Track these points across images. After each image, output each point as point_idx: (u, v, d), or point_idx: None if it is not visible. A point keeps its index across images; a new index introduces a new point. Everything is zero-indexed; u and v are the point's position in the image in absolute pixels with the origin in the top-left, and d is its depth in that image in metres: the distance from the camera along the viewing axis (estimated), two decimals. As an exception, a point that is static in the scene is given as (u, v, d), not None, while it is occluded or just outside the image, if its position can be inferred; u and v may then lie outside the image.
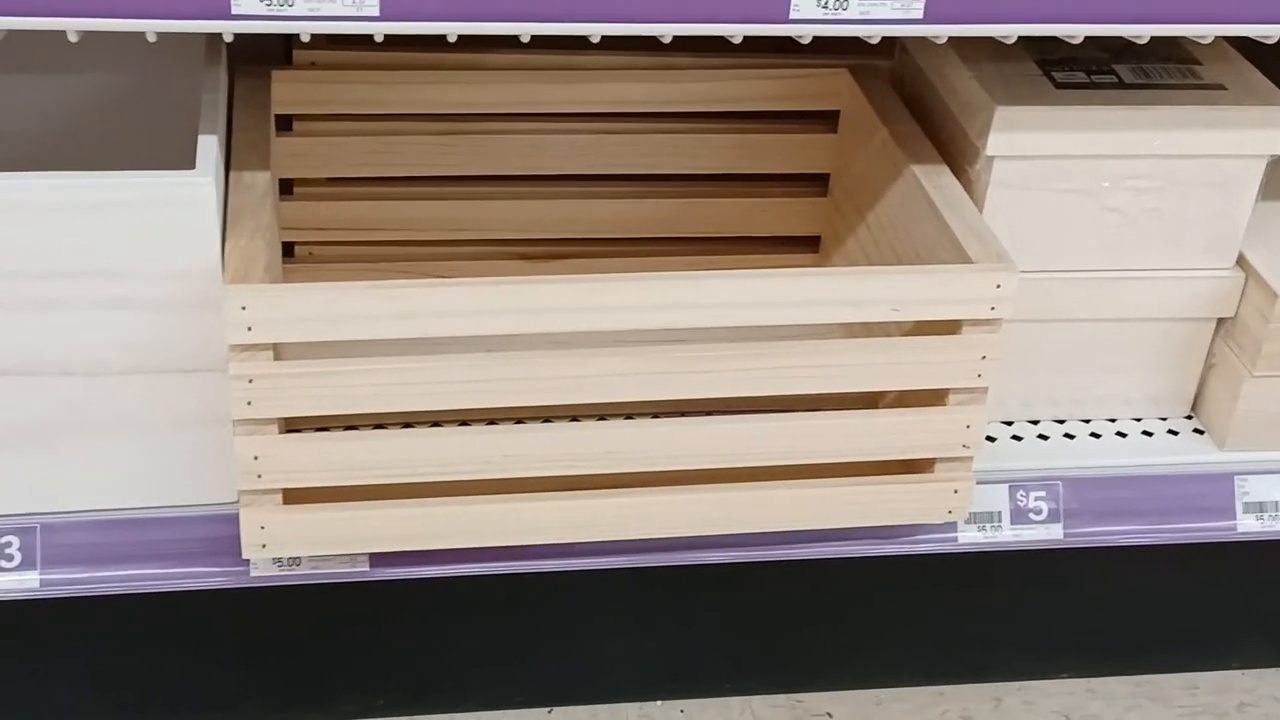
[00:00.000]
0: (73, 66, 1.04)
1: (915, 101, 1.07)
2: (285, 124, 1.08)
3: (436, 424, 0.92)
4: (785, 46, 1.00)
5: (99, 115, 1.07)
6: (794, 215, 1.16)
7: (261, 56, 1.06)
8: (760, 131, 1.13)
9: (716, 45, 1.02)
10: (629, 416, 0.95)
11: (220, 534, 0.94)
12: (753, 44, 0.88)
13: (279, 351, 0.86)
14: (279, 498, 0.90)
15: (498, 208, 1.14)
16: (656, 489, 0.92)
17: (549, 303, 0.84)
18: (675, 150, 1.13)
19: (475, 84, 1.10)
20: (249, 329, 0.84)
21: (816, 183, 1.15)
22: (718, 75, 1.12)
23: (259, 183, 0.93)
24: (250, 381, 0.85)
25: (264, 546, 0.90)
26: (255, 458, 0.88)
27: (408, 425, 0.92)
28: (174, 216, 0.85)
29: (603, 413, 0.92)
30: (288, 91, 1.06)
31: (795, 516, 0.94)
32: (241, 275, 0.84)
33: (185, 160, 0.99)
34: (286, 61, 1.08)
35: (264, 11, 0.77)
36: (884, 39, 0.87)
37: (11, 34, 0.79)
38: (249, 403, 0.86)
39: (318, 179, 1.11)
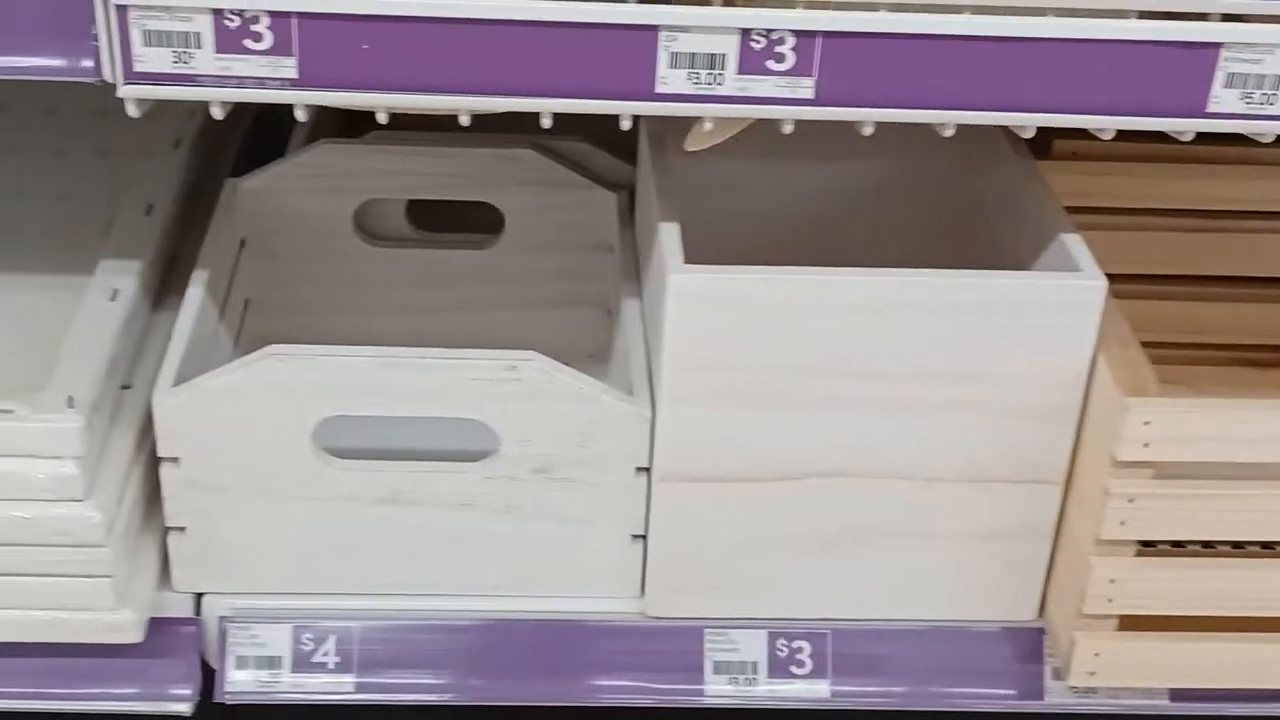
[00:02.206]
0: (833, 154, 1.00)
1: None
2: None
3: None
4: None
5: (844, 202, 1.02)
6: None
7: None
8: None
9: None
10: None
11: (1015, 653, 0.89)
12: None
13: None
14: (1114, 623, 0.83)
15: (1231, 310, 1.06)
16: None
17: None
18: None
19: (1234, 179, 1.03)
20: (1145, 445, 0.77)
21: None
22: None
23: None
24: (1130, 501, 0.79)
25: (1092, 674, 0.84)
26: (1111, 581, 0.81)
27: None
28: (1057, 320, 0.80)
29: None
30: (1057, 184, 1.00)
31: None
32: (1137, 388, 0.78)
33: (932, 252, 0.92)
34: (1039, 151, 1.03)
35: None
36: None
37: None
38: (1122, 523, 0.80)
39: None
